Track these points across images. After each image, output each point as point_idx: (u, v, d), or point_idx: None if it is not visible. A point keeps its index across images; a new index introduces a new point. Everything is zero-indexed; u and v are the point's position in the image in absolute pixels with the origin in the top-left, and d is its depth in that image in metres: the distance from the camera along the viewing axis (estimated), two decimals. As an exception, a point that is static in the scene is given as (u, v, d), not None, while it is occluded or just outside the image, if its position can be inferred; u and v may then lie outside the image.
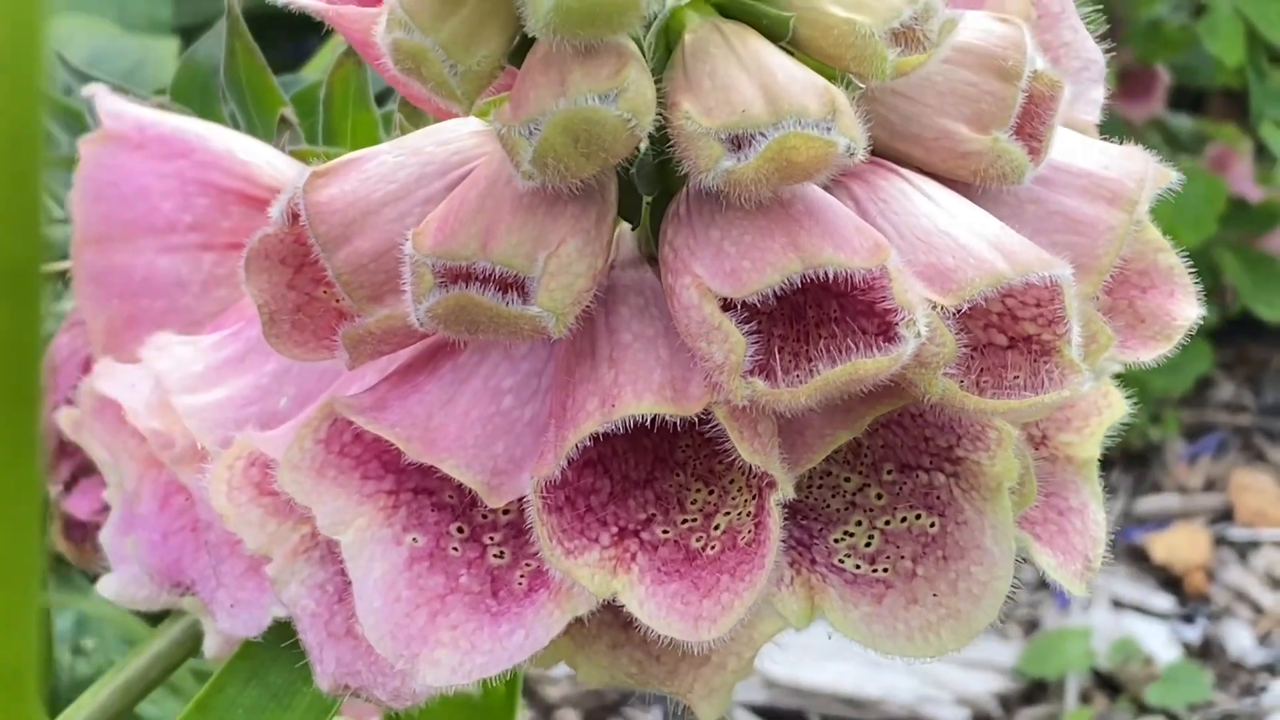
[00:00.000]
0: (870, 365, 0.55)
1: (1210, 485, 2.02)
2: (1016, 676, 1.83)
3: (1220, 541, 1.96)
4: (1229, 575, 1.92)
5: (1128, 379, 1.94)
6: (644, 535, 0.60)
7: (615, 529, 0.60)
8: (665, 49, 0.58)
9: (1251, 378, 2.14)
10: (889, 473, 0.63)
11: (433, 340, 0.62)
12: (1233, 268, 2.06)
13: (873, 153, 0.62)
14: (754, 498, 0.60)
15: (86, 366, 0.81)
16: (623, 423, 0.57)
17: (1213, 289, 2.10)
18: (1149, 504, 2.00)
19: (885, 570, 0.62)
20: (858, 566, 0.62)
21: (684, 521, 0.61)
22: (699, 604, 0.58)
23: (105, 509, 0.78)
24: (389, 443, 0.61)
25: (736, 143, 0.55)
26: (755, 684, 1.82)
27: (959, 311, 0.57)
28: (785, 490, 0.58)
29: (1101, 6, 1.90)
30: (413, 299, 0.57)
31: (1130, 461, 2.04)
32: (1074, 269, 0.62)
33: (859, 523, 0.63)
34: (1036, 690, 1.84)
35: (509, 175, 0.57)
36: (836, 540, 0.63)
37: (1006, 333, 0.60)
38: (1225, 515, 2.00)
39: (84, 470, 0.90)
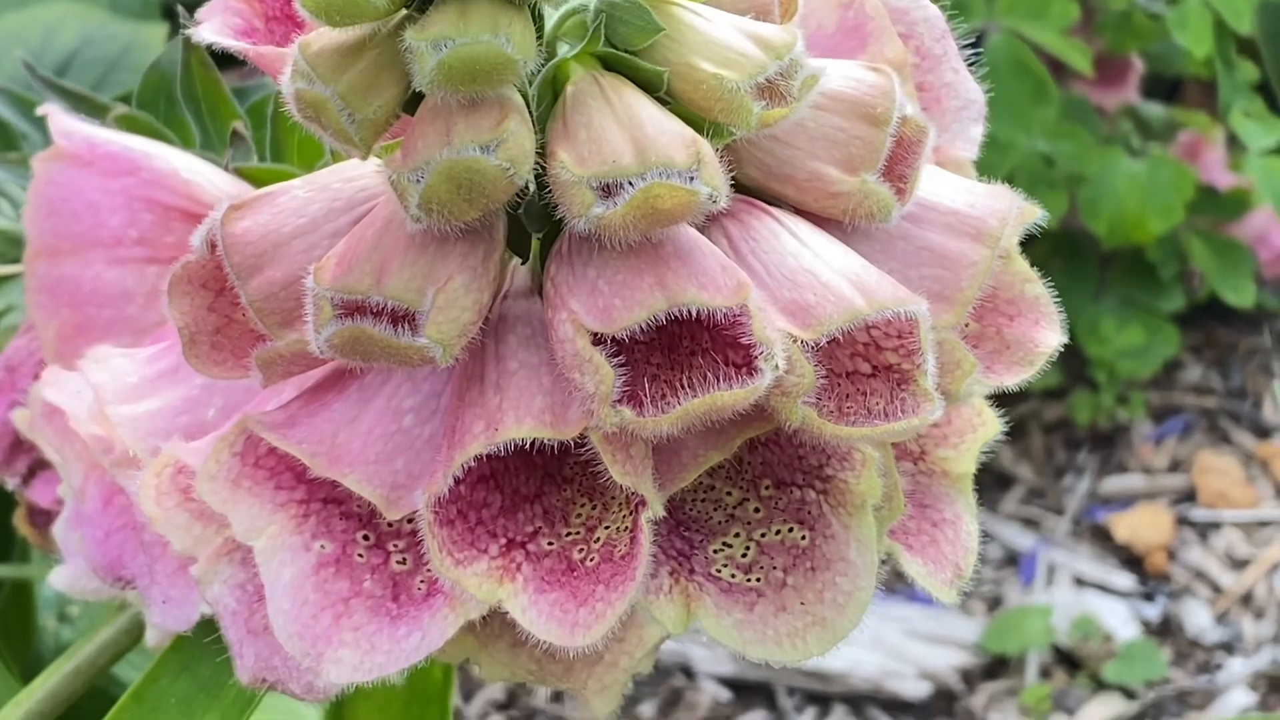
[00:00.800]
0: (729, 397, 0.59)
1: (1175, 466, 2.04)
2: (979, 652, 1.87)
3: (1182, 522, 1.99)
4: (1189, 555, 1.95)
5: (1098, 362, 1.97)
6: (530, 547, 0.65)
7: (504, 540, 0.64)
8: (552, 96, 0.62)
9: (1218, 361, 2.16)
10: (766, 488, 0.67)
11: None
12: (1201, 253, 2.08)
13: (749, 192, 0.66)
14: (630, 514, 0.64)
15: (40, 369, 0.84)
16: (505, 444, 0.62)
17: (1181, 274, 2.12)
18: (1114, 484, 2.03)
19: (759, 580, 0.66)
20: (733, 576, 0.66)
21: (567, 534, 0.65)
22: (576, 612, 0.63)
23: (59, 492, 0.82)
24: (299, 456, 0.65)
25: (607, 190, 0.59)
26: (724, 656, 1.86)
27: (819, 344, 0.61)
28: (655, 509, 0.62)
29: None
30: (313, 329, 0.61)
31: (1097, 442, 2.07)
32: (939, 300, 0.66)
33: (737, 534, 0.67)
34: (998, 665, 1.87)
35: (402, 216, 0.61)
36: (715, 551, 0.67)
37: (870, 361, 0.64)
38: (1188, 496, 2.03)
39: (42, 463, 0.94)
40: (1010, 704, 1.85)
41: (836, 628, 0.66)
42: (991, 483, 2.07)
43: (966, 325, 0.69)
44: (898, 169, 0.66)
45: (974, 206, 0.67)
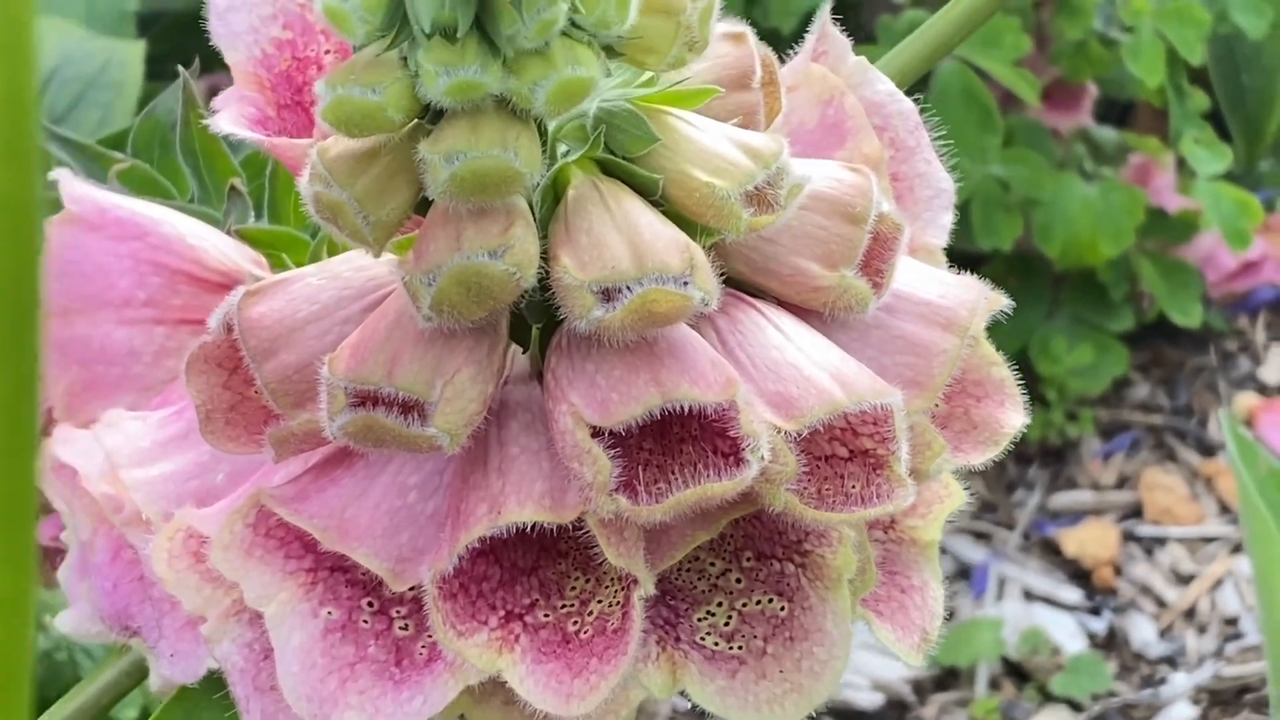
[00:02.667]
0: (718, 488, 0.63)
1: (1122, 483, 2.07)
2: (930, 664, 1.89)
3: (1129, 537, 2.02)
4: (1135, 570, 1.98)
5: (1049, 380, 2.00)
6: (527, 619, 0.68)
7: (503, 612, 0.68)
8: (554, 199, 0.66)
9: (1166, 379, 2.19)
10: (748, 560, 0.71)
11: (349, 440, 0.69)
12: (1150, 275, 2.11)
13: (737, 285, 0.70)
14: (623, 590, 0.67)
15: (48, 420, 0.86)
16: (508, 526, 0.65)
17: (1131, 294, 2.16)
18: (1063, 499, 2.06)
19: (740, 648, 0.70)
20: (716, 644, 0.70)
21: (563, 607, 0.69)
22: (571, 683, 0.66)
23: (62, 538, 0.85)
24: (308, 529, 0.68)
25: (606, 295, 0.62)
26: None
27: (801, 435, 0.65)
28: (647, 588, 0.66)
29: (1033, 25, 1.95)
30: (327, 416, 0.65)
31: (1047, 458, 2.10)
32: (912, 386, 0.70)
33: (720, 603, 0.71)
34: (948, 677, 1.89)
35: (413, 313, 0.64)
36: (700, 619, 0.70)
37: (848, 446, 0.68)
38: (1135, 512, 2.05)
39: (45, 505, 0.96)
40: (960, 715, 1.87)
41: (813, 694, 0.69)
42: (944, 496, 2.09)
43: (936, 407, 0.72)
44: (874, 264, 0.69)
45: (945, 297, 0.71)
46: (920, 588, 0.74)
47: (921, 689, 1.90)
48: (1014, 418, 0.73)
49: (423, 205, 0.65)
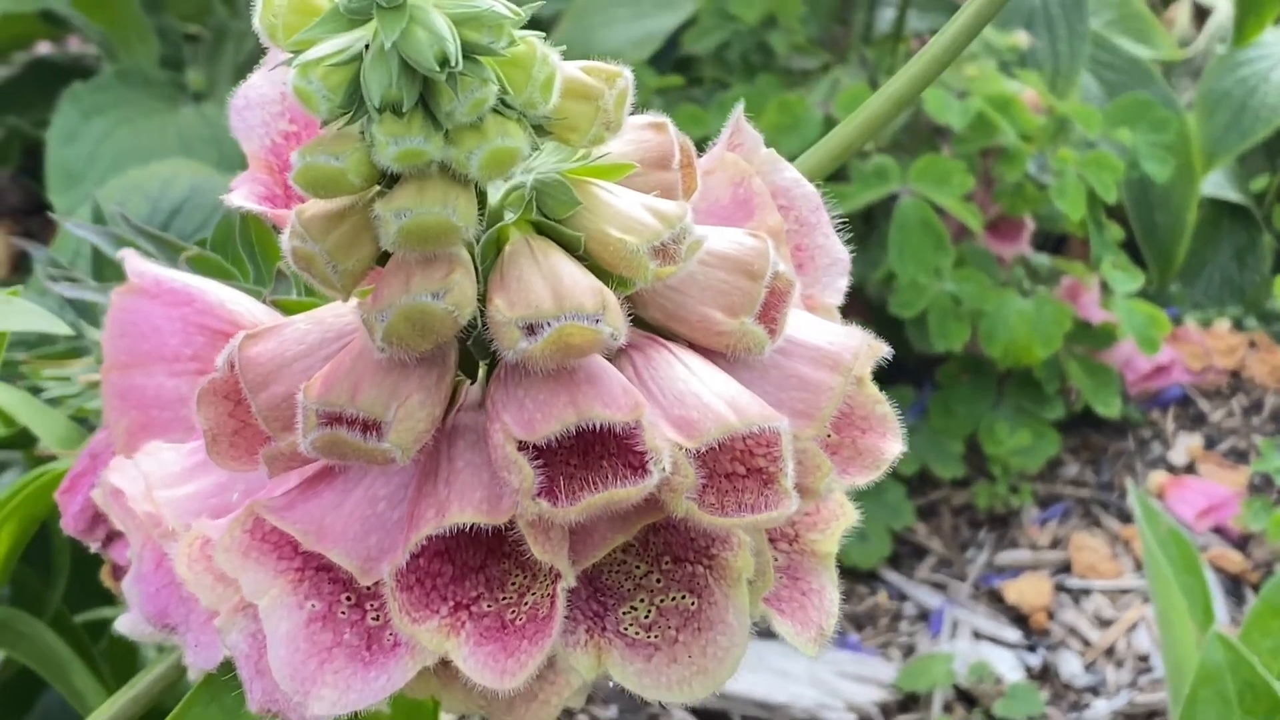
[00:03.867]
0: (622, 493, 0.60)
1: (1055, 544, 2.04)
2: (894, 690, 1.86)
3: (1060, 589, 1.99)
4: (1065, 615, 1.95)
5: (994, 459, 1.97)
6: (473, 608, 0.65)
7: (452, 603, 0.65)
8: (495, 253, 0.63)
9: (1091, 460, 2.17)
10: (666, 563, 0.68)
11: (331, 458, 0.67)
12: (1077, 374, 2.09)
13: (653, 329, 0.67)
14: (551, 583, 0.64)
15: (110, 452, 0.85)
16: (451, 527, 0.62)
17: (1062, 389, 2.13)
18: (1006, 557, 2.03)
19: (657, 636, 0.67)
20: (637, 633, 0.67)
21: (503, 598, 0.66)
22: (505, 661, 0.63)
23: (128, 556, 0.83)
24: (294, 533, 0.66)
25: (530, 329, 0.60)
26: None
27: (700, 451, 0.62)
28: (569, 580, 0.63)
29: (979, 170, 1.93)
30: (302, 434, 0.63)
31: (994, 523, 2.07)
32: (803, 417, 0.67)
33: (642, 599, 0.68)
34: (910, 701, 1.86)
35: (372, 347, 0.62)
36: (624, 613, 0.67)
37: (745, 465, 0.65)
38: (1065, 568, 2.02)
39: (117, 530, 0.94)
40: (919, 733, 1.84)
41: (717, 676, 0.66)
42: (909, 553, 2.07)
43: (829, 436, 0.70)
44: (771, 313, 0.67)
45: (833, 344, 0.68)
46: (819, 591, 0.70)
47: (888, 710, 1.87)
48: (893, 446, 0.70)
49: (383, 258, 0.63)
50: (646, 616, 0.67)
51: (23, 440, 1.32)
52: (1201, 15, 2.79)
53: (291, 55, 0.59)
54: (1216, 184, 2.47)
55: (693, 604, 0.67)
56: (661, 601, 0.67)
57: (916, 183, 1.99)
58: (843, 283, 0.74)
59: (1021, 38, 2.19)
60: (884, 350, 0.70)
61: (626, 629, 0.67)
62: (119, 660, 1.36)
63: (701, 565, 0.67)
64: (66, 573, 1.33)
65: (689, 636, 0.66)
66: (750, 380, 0.67)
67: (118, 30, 2.24)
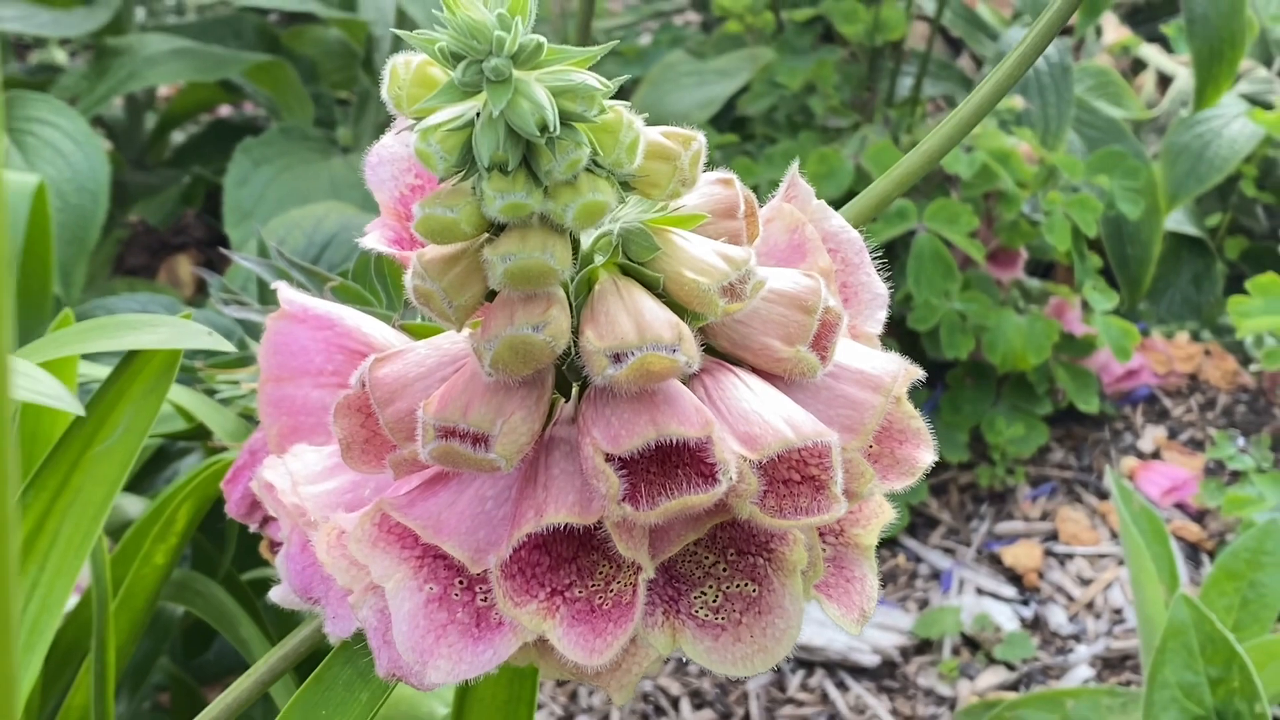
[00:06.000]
0: (695, 499, 0.56)
1: (1044, 516, 1.99)
2: (912, 636, 1.81)
3: (1048, 554, 1.93)
4: (1052, 575, 1.89)
5: (994, 447, 1.91)
6: (566, 594, 0.61)
7: (549, 589, 0.61)
8: (586, 291, 0.59)
9: (1074, 448, 2.10)
10: (731, 555, 0.63)
11: (446, 464, 0.63)
12: (1063, 377, 2.04)
13: (722, 356, 0.63)
14: (634, 574, 0.60)
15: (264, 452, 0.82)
16: (548, 526, 0.58)
17: (1050, 390, 2.07)
18: (1003, 527, 1.97)
19: (723, 619, 0.62)
20: (706, 615, 0.62)
21: (592, 585, 0.61)
22: (593, 641, 0.59)
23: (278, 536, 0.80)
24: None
25: (616, 358, 0.56)
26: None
27: (762, 462, 0.58)
28: (648, 572, 0.59)
29: (982, 210, 1.88)
30: (421, 444, 0.59)
31: (993, 499, 2.02)
32: (849, 432, 0.62)
33: (710, 586, 0.63)
34: (925, 645, 1.81)
35: (481, 371, 0.58)
36: (695, 597, 0.63)
37: (800, 473, 0.60)
38: (1053, 536, 1.97)
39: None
40: (932, 671, 1.79)
41: (775, 654, 0.61)
42: (923, 524, 2.02)
43: (870, 448, 0.65)
44: (822, 342, 0.62)
45: (875, 368, 0.64)
46: (861, 579, 0.66)
47: (906, 653, 1.83)
48: (926, 455, 0.65)
49: (491, 295, 0.58)
50: (714, 601, 0.63)
51: (200, 433, 1.30)
52: (1164, 82, 2.72)
53: (414, 121, 0.55)
54: (1177, 221, 2.41)
55: (754, 591, 0.62)
56: (727, 588, 0.63)
57: (930, 221, 1.94)
58: (882, 314, 0.69)
59: (1018, 101, 2.13)
60: (918, 373, 0.65)
61: (697, 611, 0.62)
62: (280, 614, 1.33)
63: (762, 558, 0.62)
64: (235, 541, 1.31)
65: (751, 619, 0.62)
66: (804, 400, 0.62)
67: (281, 95, 2.22)
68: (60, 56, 2.83)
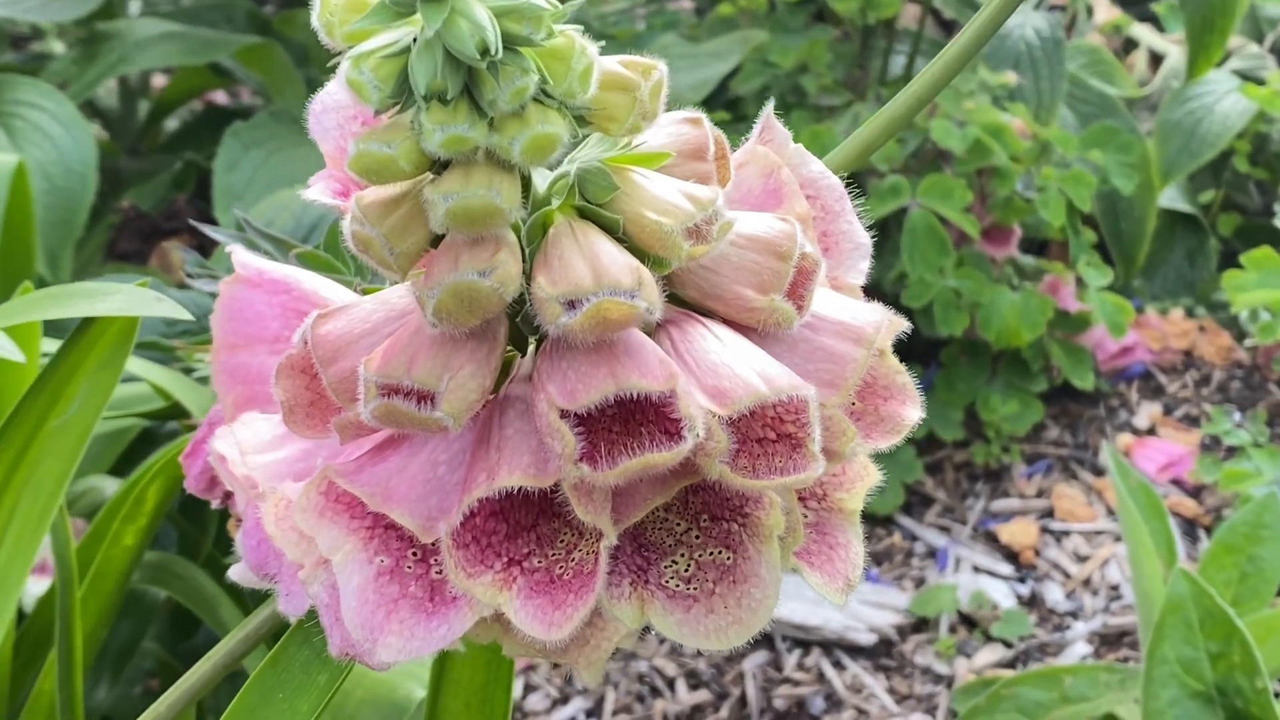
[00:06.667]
0: (659, 458, 0.50)
1: (1040, 494, 1.93)
2: (908, 615, 1.76)
3: (1044, 531, 1.88)
4: (1049, 552, 1.84)
5: (989, 424, 1.86)
6: (524, 564, 0.55)
7: (505, 559, 0.55)
8: (541, 236, 0.53)
9: (1070, 425, 2.05)
10: (704, 520, 0.57)
11: (397, 427, 0.57)
12: (1058, 354, 1.98)
13: (690, 306, 0.57)
14: (596, 541, 0.54)
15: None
16: (500, 490, 0.52)
17: (1045, 367, 2.02)
18: (1000, 505, 1.92)
19: (695, 589, 0.56)
20: (677, 586, 0.56)
21: (552, 554, 0.55)
22: (552, 614, 0.53)
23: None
24: (363, 495, 0.56)
25: (571, 304, 0.50)
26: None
27: (733, 418, 0.52)
28: (610, 539, 0.53)
29: (976, 187, 1.83)
30: (363, 403, 0.53)
31: (989, 476, 1.96)
32: (829, 387, 0.56)
33: (682, 554, 0.57)
34: (921, 624, 1.76)
35: (426, 323, 0.52)
36: (666, 567, 0.57)
37: (775, 430, 0.54)
38: (1049, 513, 1.91)
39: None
40: (929, 650, 1.74)
41: (750, 625, 0.55)
42: (919, 502, 1.96)
43: (853, 404, 0.59)
44: (798, 291, 0.56)
45: (856, 319, 0.57)
46: (845, 545, 0.60)
47: (903, 632, 1.77)
48: (912, 412, 0.59)
49: (437, 241, 0.52)
50: (686, 570, 0.57)
51: (178, 412, 1.24)
52: (1155, 60, 2.65)
53: (347, 48, 0.49)
54: (1171, 197, 2.35)
55: (728, 559, 0.56)
56: (700, 556, 0.57)
57: (924, 198, 1.88)
58: (865, 265, 0.63)
59: (1011, 77, 2.07)
60: (903, 325, 0.59)
61: (668, 582, 0.56)
62: (263, 596, 1.27)
63: (736, 523, 0.56)
64: (216, 523, 1.25)
65: (725, 589, 0.56)
66: (780, 353, 0.56)
67: (273, 78, 2.16)
68: (58, 47, 2.77)
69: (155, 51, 1.98)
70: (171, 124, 2.53)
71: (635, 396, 0.51)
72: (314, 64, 2.29)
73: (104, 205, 2.12)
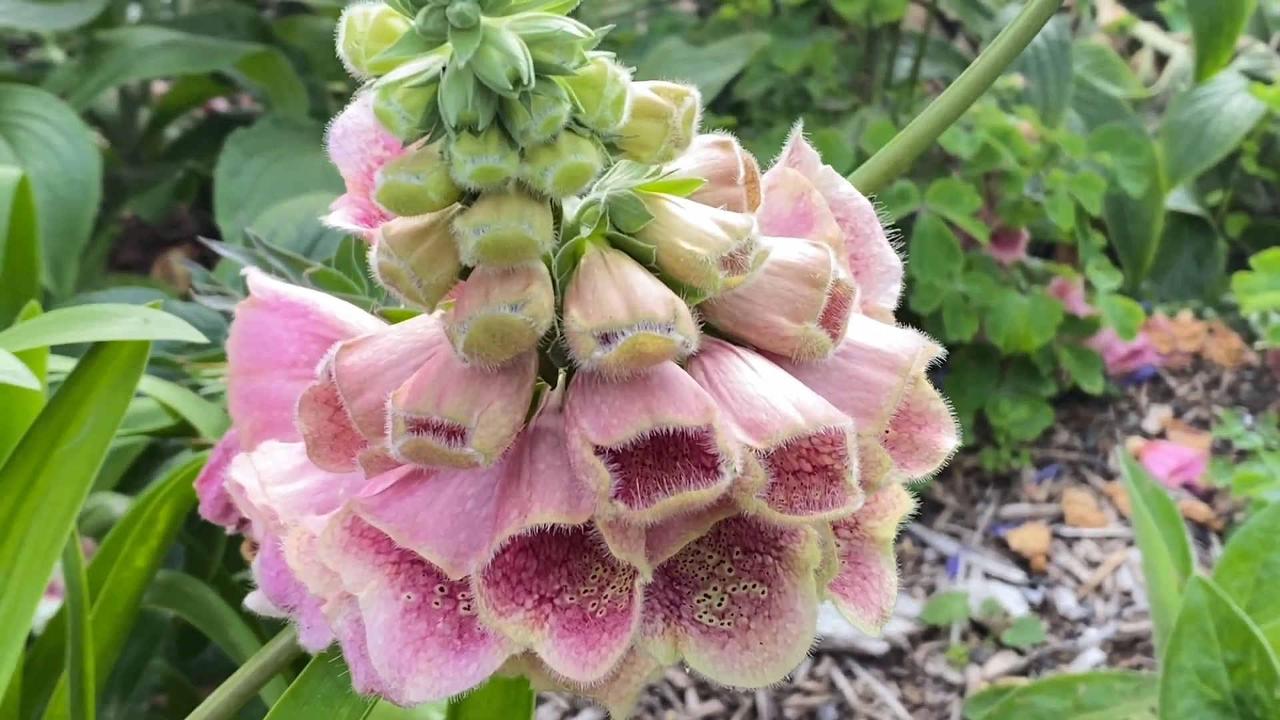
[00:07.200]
0: (696, 495, 0.49)
1: (1050, 499, 1.92)
2: (920, 623, 1.75)
3: (1055, 536, 1.87)
4: (1060, 558, 1.83)
5: (999, 429, 1.85)
6: (555, 601, 0.54)
7: (536, 596, 0.54)
8: (571, 266, 0.52)
9: (1079, 429, 2.04)
10: (737, 553, 0.56)
11: (423, 460, 0.55)
12: (1067, 358, 1.97)
13: (723, 336, 0.56)
14: (630, 577, 0.53)
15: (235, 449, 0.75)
16: (533, 528, 0.51)
17: (1054, 371, 2.01)
18: (1010, 510, 1.91)
19: (730, 624, 0.55)
20: (711, 621, 0.55)
21: (584, 591, 0.54)
22: (586, 654, 0.52)
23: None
24: (390, 530, 0.55)
25: (605, 338, 0.49)
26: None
27: (770, 452, 0.51)
28: (646, 576, 0.52)
29: (984, 191, 1.81)
30: (391, 439, 0.51)
31: (999, 481, 1.95)
32: (864, 416, 0.55)
33: (715, 588, 0.56)
34: (933, 631, 1.75)
35: (456, 357, 0.51)
36: (699, 601, 0.56)
37: (811, 462, 0.53)
38: (1060, 519, 1.90)
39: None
40: (941, 658, 1.73)
41: (787, 662, 0.54)
42: (929, 508, 1.95)
43: (887, 433, 0.58)
44: (832, 318, 0.55)
45: (891, 346, 0.56)
46: (879, 575, 0.58)
47: (914, 639, 1.76)
48: (948, 440, 0.58)
49: (466, 273, 0.51)
50: (720, 604, 0.55)
51: (186, 430, 1.23)
52: (1161, 61, 2.64)
53: (374, 79, 0.48)
54: (1179, 199, 2.34)
55: (763, 593, 0.55)
56: (734, 590, 0.56)
57: (933, 202, 1.87)
58: (895, 288, 0.62)
59: (1017, 80, 2.06)
60: (938, 351, 0.58)
61: (701, 616, 0.55)
62: (275, 619, 1.26)
63: (771, 556, 0.55)
64: (225, 541, 1.24)
65: (760, 624, 0.55)
66: (814, 382, 0.55)
67: (274, 86, 2.15)
68: (57, 55, 2.75)
69: (157, 60, 1.97)
70: (172, 132, 2.52)
71: (671, 432, 0.49)
72: (315, 71, 2.28)
73: (106, 215, 2.11)
